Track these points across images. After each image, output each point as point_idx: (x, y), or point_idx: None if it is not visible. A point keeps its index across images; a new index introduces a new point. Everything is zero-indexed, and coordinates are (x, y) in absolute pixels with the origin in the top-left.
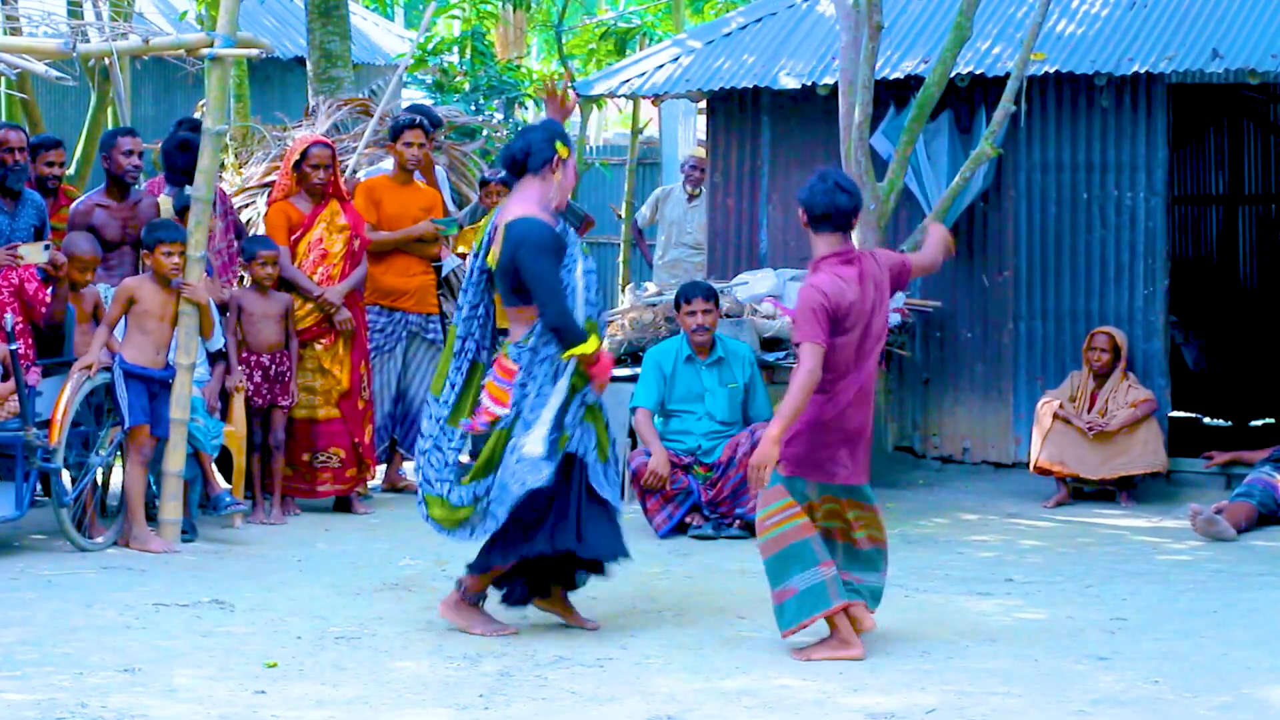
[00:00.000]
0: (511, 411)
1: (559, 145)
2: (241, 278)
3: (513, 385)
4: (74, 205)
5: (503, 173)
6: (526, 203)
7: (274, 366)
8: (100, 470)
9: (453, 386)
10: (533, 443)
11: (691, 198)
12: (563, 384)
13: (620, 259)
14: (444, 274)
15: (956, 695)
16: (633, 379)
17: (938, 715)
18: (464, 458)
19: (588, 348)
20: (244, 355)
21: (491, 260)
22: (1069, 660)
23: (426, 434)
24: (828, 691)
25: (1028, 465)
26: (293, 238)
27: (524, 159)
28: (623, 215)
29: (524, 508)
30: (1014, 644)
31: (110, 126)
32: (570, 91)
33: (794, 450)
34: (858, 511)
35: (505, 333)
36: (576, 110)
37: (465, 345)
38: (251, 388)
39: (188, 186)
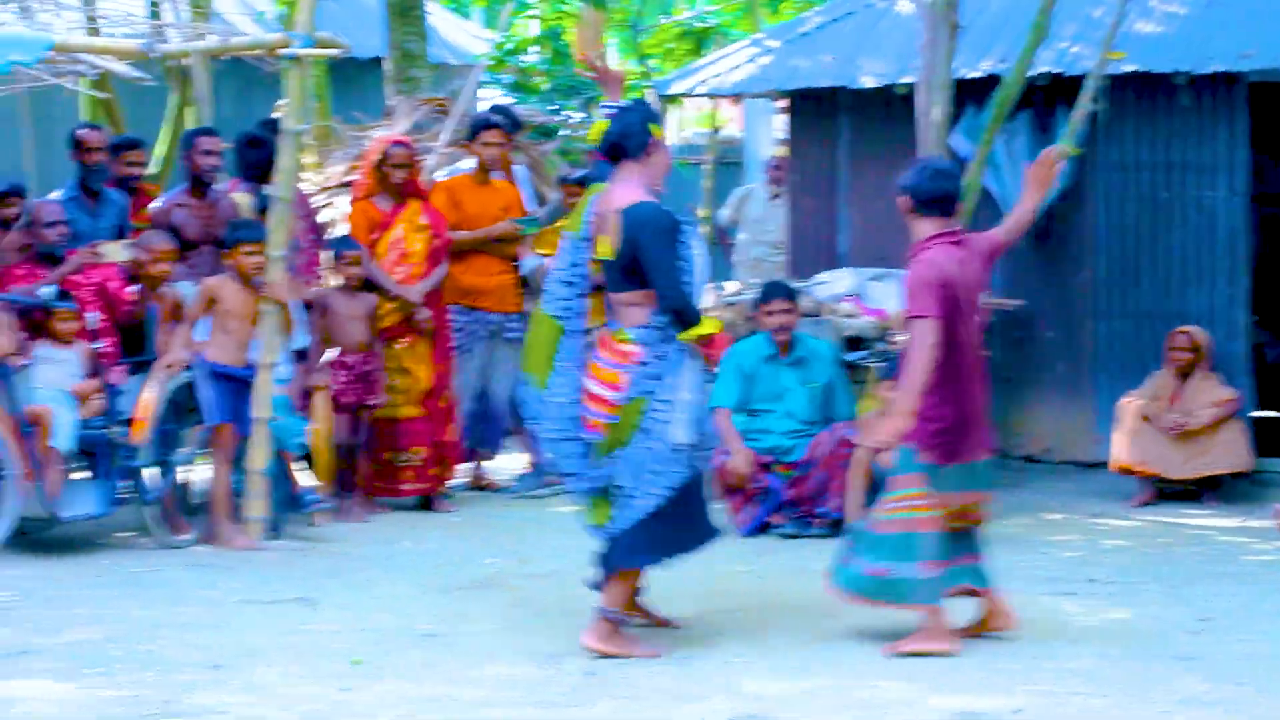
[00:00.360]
0: (632, 392)
1: (653, 127)
2: (321, 277)
3: (631, 368)
4: (154, 205)
5: (578, 173)
6: (632, 188)
7: (360, 367)
8: (183, 468)
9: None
10: (678, 429)
11: (774, 196)
12: (691, 365)
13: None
14: (524, 273)
15: (1041, 696)
16: (713, 378)
17: (1023, 716)
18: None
19: (706, 328)
20: (331, 356)
21: (605, 250)
22: (1153, 661)
23: (551, 431)
24: (913, 691)
25: (1110, 465)
26: (373, 237)
27: (624, 144)
28: (701, 214)
29: (674, 501)
30: (1098, 644)
31: (190, 126)
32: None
33: (928, 435)
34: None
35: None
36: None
37: (571, 335)
38: (338, 387)
39: (266, 186)
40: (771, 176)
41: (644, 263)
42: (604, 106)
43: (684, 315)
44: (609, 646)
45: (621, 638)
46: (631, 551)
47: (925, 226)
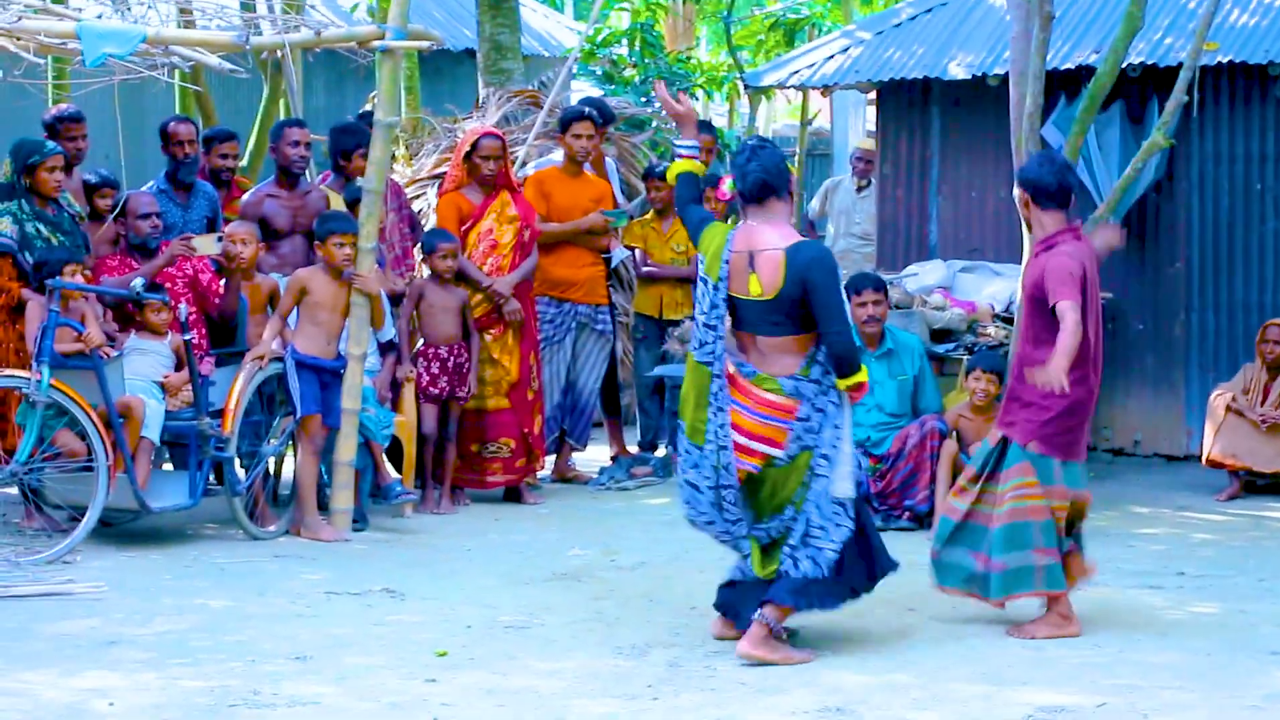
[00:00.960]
0: (794, 450)
1: (788, 164)
2: (414, 269)
3: (791, 424)
4: (245, 197)
5: (660, 166)
6: (784, 227)
7: (451, 359)
8: (272, 459)
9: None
10: (843, 485)
11: (860, 189)
12: (848, 415)
13: None
14: (613, 265)
15: (1127, 690)
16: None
17: (1108, 710)
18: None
19: (861, 376)
20: (421, 347)
21: (756, 290)
22: (1241, 655)
23: (698, 478)
24: (997, 685)
25: (1200, 458)
26: (463, 228)
27: (774, 183)
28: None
29: (849, 544)
30: (1185, 638)
31: (298, 118)
32: (680, 95)
33: (1049, 430)
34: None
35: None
36: (746, 101)
37: (717, 380)
38: (428, 379)
39: (358, 179)
40: (857, 169)
41: (815, 305)
42: (679, 145)
43: (849, 361)
44: (768, 653)
45: (779, 645)
46: (824, 596)
47: (1048, 220)
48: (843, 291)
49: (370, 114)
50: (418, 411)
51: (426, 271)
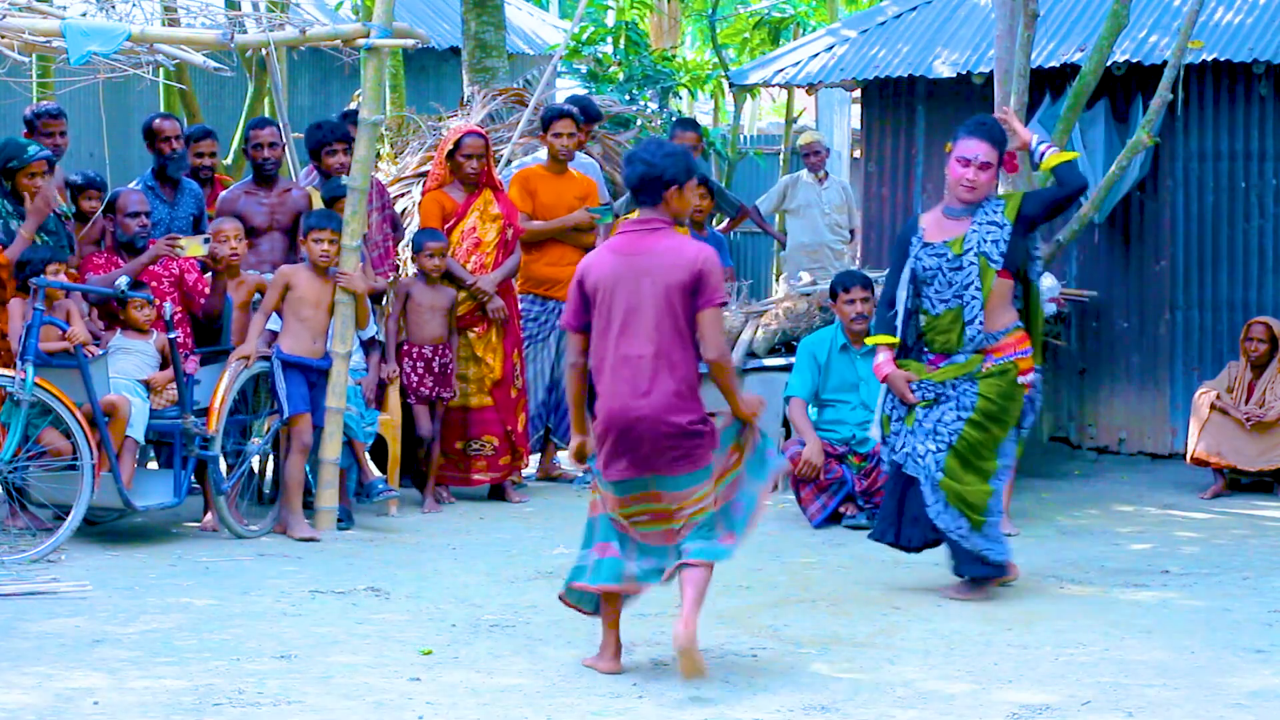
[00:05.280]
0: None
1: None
2: (398, 268)
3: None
4: (222, 194)
5: None
6: None
7: (436, 359)
8: (256, 458)
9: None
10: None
11: (820, 180)
12: None
13: (775, 249)
14: None
15: (1111, 688)
16: (786, 369)
17: (1093, 708)
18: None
19: None
20: (406, 346)
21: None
22: (1226, 653)
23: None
24: (982, 683)
25: (1184, 456)
26: (446, 226)
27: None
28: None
29: None
30: (1169, 636)
31: (266, 116)
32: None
33: None
34: None
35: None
36: (731, 100)
37: None
38: (415, 379)
39: (340, 176)
40: (810, 163)
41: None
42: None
43: None
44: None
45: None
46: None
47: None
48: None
49: (355, 112)
50: (402, 411)
51: (413, 270)
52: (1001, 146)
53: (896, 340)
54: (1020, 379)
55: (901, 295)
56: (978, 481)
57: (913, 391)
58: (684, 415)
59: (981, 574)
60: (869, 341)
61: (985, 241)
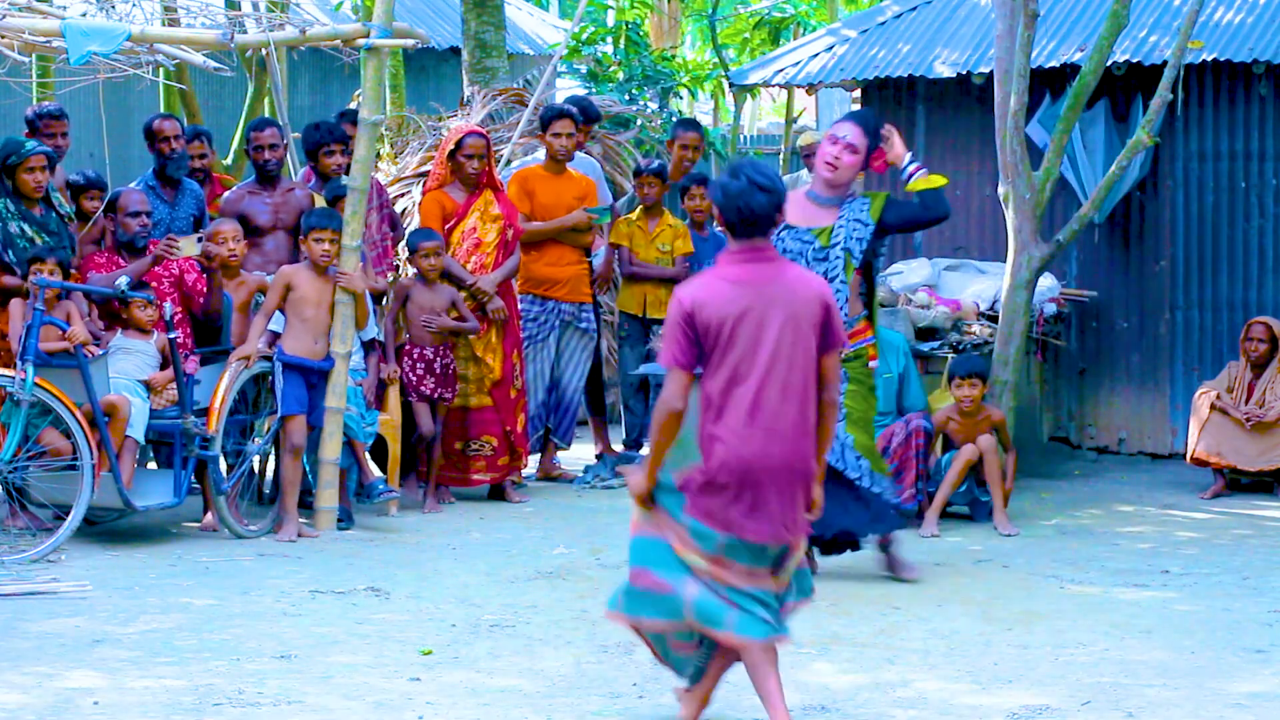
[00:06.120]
0: None
1: None
2: (397, 268)
3: None
4: (225, 195)
5: (655, 163)
6: None
7: (438, 360)
8: (256, 458)
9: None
10: None
11: None
12: None
13: None
14: (596, 264)
15: (1111, 688)
16: None
17: (1092, 708)
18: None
19: None
20: (407, 347)
21: None
22: (1226, 653)
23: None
24: (982, 683)
25: (1184, 456)
26: (446, 226)
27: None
28: None
29: None
30: (1170, 636)
31: (267, 117)
32: None
33: None
34: None
35: None
36: (732, 100)
37: None
38: (415, 379)
39: (340, 176)
40: (809, 165)
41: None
42: None
43: None
44: None
45: None
46: None
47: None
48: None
49: (355, 112)
50: (402, 411)
51: (412, 271)
52: (874, 140)
53: None
54: (869, 364)
55: None
56: (868, 439)
57: None
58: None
59: (895, 524)
60: None
61: (851, 238)
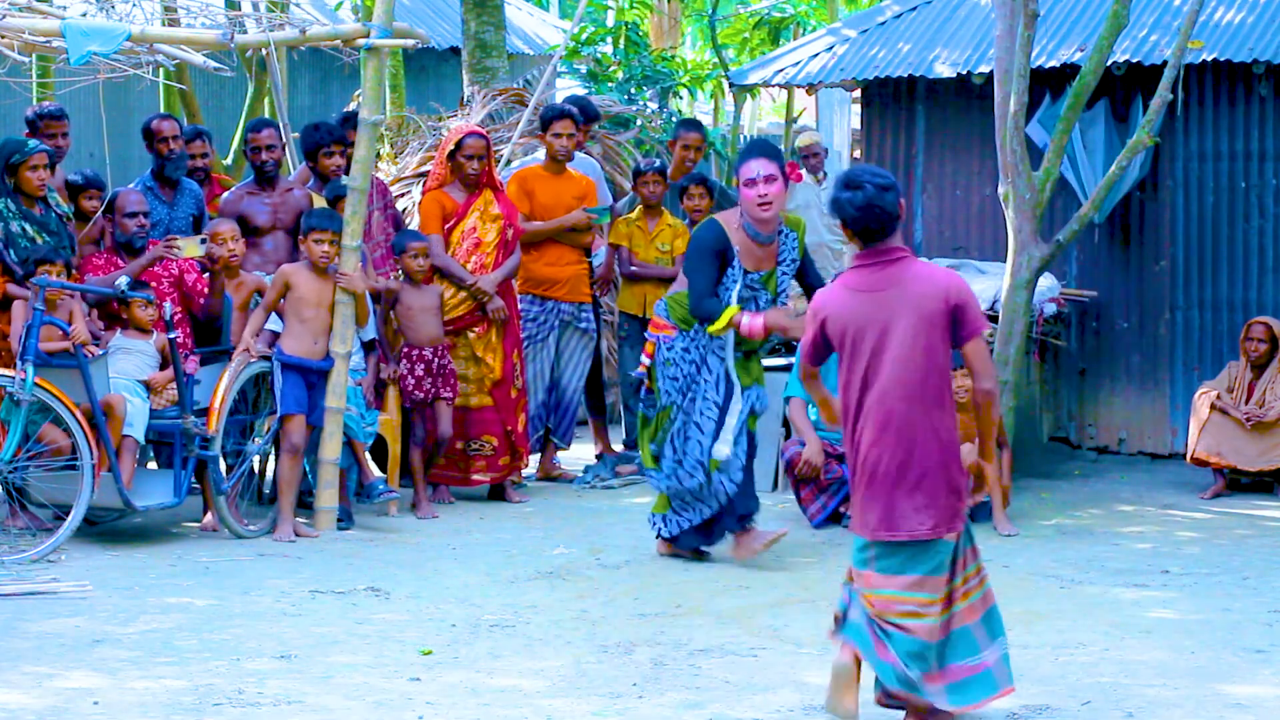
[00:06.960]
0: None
1: None
2: (399, 267)
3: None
4: (224, 195)
5: (658, 162)
6: None
7: (436, 360)
8: (256, 458)
9: None
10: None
11: (819, 182)
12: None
13: None
14: (595, 264)
15: (1111, 688)
16: (786, 369)
17: (1092, 708)
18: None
19: (721, 321)
20: (404, 348)
21: None
22: (1226, 653)
23: None
24: None
25: (1184, 456)
26: (446, 226)
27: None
28: None
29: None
30: (1170, 636)
31: (267, 117)
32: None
33: None
34: None
35: None
36: (731, 100)
37: None
38: (413, 382)
39: (340, 177)
40: (809, 165)
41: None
42: None
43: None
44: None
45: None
46: None
47: None
48: (691, 260)
49: (355, 113)
50: (402, 411)
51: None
52: (779, 160)
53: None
54: None
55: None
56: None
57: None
58: (954, 466)
59: (752, 506)
60: (723, 320)
61: (787, 277)
